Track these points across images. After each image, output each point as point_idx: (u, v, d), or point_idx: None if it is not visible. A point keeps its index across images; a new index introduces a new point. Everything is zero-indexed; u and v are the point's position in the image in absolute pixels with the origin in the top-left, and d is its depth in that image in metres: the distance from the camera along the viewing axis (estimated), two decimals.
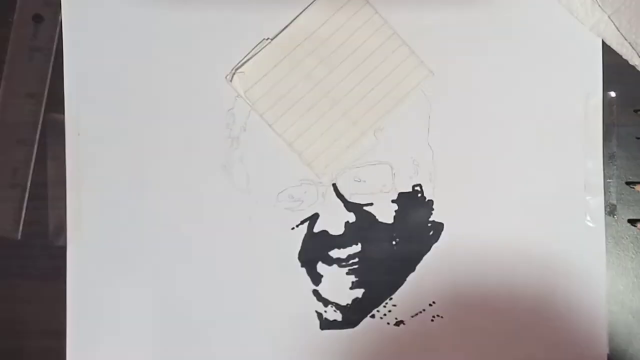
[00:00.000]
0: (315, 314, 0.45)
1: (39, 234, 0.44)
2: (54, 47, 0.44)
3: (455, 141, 0.45)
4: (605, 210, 0.45)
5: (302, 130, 0.45)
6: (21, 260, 0.44)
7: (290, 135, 0.45)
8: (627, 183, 0.45)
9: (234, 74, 0.44)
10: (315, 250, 0.45)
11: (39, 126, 0.44)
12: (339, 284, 0.45)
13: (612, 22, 0.44)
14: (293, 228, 0.45)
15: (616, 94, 0.45)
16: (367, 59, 0.45)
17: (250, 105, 0.44)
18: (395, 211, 0.45)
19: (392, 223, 0.45)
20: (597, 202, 0.45)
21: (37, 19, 0.44)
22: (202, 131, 0.45)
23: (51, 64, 0.44)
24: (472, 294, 0.45)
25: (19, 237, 0.44)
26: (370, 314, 0.45)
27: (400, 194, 0.45)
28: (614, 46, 0.45)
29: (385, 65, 0.45)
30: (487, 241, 0.45)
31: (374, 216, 0.45)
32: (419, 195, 0.45)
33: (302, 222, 0.45)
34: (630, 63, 0.45)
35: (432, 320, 0.45)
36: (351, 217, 0.45)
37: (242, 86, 0.44)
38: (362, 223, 0.45)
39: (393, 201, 0.45)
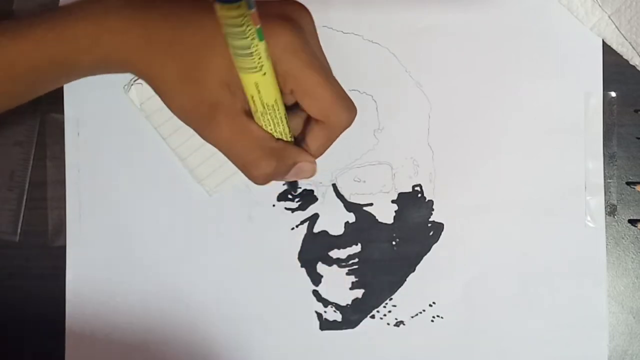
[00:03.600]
0: (315, 315, 0.45)
1: (38, 234, 0.44)
2: None
3: (455, 141, 0.45)
4: (605, 211, 0.45)
5: (196, 147, 0.43)
6: (21, 260, 0.44)
7: (184, 151, 0.44)
8: (628, 183, 0.45)
9: (132, 85, 0.44)
10: (315, 250, 0.45)
11: (37, 127, 0.44)
12: (339, 285, 0.45)
13: (613, 22, 0.44)
14: (293, 228, 0.45)
15: (616, 94, 0.45)
16: None
17: (146, 118, 0.44)
18: (395, 211, 0.45)
19: (392, 223, 0.45)
20: (598, 202, 0.45)
21: None
22: None
23: None
24: (472, 295, 0.45)
25: (17, 239, 0.44)
26: (370, 314, 0.45)
27: (400, 194, 0.45)
28: (614, 46, 0.44)
29: None
30: (487, 241, 0.45)
31: (374, 216, 0.45)
32: (419, 195, 0.45)
33: (302, 222, 0.45)
34: (631, 63, 0.45)
35: (432, 321, 0.45)
36: (351, 218, 0.45)
37: (139, 98, 0.44)
38: (362, 223, 0.45)
39: (393, 201, 0.45)
